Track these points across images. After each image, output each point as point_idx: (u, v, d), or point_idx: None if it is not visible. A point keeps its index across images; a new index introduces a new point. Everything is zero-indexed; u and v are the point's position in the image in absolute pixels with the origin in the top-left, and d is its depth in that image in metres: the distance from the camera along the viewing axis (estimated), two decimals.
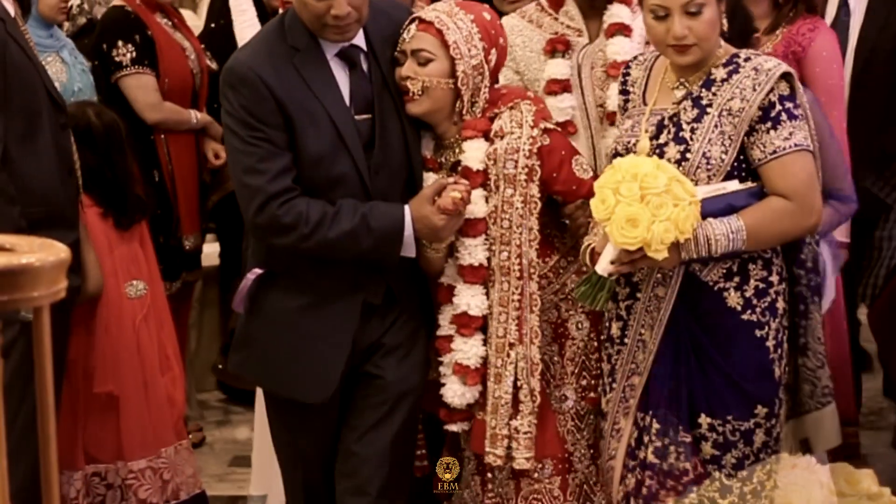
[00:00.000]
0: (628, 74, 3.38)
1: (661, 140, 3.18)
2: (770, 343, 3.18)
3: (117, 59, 5.03)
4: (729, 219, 3.07)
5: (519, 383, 3.38)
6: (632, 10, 3.75)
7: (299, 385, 3.38)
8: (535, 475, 3.45)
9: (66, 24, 5.30)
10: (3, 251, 1.54)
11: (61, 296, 1.55)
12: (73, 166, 3.91)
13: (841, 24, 4.86)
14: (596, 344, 3.47)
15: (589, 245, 3.22)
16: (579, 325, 3.49)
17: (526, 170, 3.35)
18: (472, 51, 3.35)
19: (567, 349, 3.49)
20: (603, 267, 3.11)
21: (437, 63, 3.34)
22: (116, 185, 4.23)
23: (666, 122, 3.20)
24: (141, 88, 5.06)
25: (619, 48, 3.71)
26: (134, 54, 5.04)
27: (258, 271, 3.39)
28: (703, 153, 3.11)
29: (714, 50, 3.18)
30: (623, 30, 3.73)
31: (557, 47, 3.77)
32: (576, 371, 3.49)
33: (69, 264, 1.56)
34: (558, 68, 3.75)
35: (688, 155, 3.12)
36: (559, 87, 3.72)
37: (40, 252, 1.53)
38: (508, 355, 3.37)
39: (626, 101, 3.37)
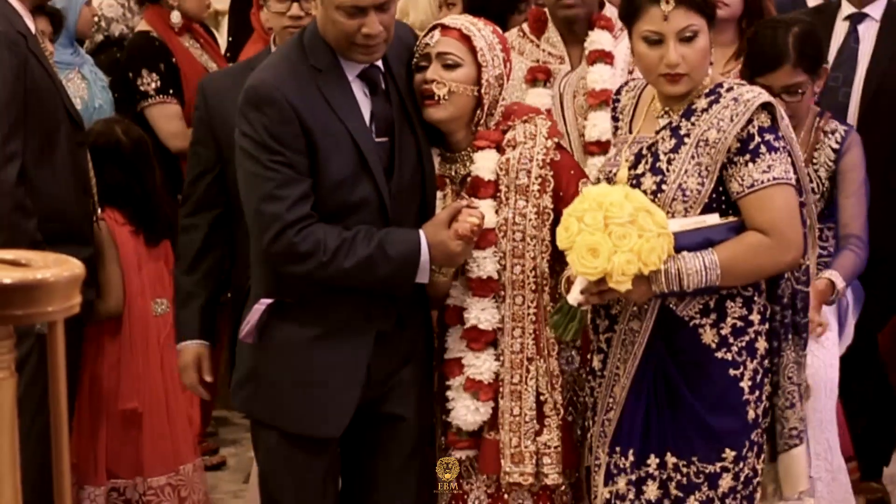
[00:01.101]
0: (618, 101, 3.31)
1: (639, 170, 3.11)
2: (745, 384, 3.07)
3: (142, 88, 5.05)
4: (703, 253, 2.97)
5: (542, 398, 3.32)
6: (613, 36, 3.73)
7: (313, 419, 3.25)
8: None
9: (86, 42, 5.33)
10: (19, 266, 1.55)
11: (75, 311, 1.56)
12: (89, 183, 3.93)
13: (850, 51, 4.72)
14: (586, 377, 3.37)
15: (567, 274, 3.14)
16: (570, 360, 3.39)
17: (539, 180, 3.30)
18: (496, 60, 3.30)
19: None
20: (574, 296, 3.05)
21: (464, 69, 3.27)
22: (146, 200, 4.27)
23: (644, 151, 3.12)
24: (164, 118, 5.07)
25: (599, 76, 3.68)
26: (158, 83, 5.06)
27: (267, 301, 3.24)
28: (679, 185, 3.03)
29: (702, 80, 3.09)
30: (604, 57, 3.71)
31: (538, 76, 3.75)
32: (563, 404, 3.38)
33: (83, 279, 1.57)
34: (539, 98, 3.73)
35: (663, 186, 3.04)
36: None
37: (55, 267, 1.55)
38: (528, 370, 3.32)
39: (617, 128, 3.30)
